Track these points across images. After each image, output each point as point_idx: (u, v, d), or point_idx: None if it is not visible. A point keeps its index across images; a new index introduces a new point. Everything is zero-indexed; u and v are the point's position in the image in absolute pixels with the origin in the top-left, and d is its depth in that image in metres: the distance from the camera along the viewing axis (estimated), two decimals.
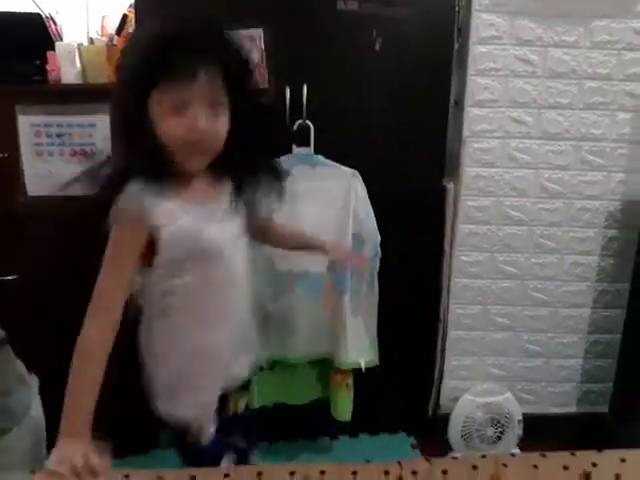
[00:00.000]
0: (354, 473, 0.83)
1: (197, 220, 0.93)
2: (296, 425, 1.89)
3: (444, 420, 1.89)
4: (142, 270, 0.94)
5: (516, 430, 1.87)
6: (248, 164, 0.99)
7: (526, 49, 1.73)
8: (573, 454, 0.91)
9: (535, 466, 0.87)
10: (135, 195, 0.88)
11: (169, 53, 0.83)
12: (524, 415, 1.89)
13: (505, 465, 0.86)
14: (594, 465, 0.88)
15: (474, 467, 0.85)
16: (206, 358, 1.00)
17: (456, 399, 1.89)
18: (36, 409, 1.24)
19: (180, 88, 0.84)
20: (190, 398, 1.00)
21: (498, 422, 1.86)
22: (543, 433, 1.80)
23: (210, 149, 0.91)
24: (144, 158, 0.89)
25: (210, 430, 1.02)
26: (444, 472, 0.83)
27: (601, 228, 1.86)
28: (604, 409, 1.97)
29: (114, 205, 0.89)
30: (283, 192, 1.04)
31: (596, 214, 1.84)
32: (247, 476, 0.81)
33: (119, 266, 0.91)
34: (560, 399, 2.01)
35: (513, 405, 1.86)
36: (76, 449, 0.76)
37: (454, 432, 1.86)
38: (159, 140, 0.88)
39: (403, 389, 1.91)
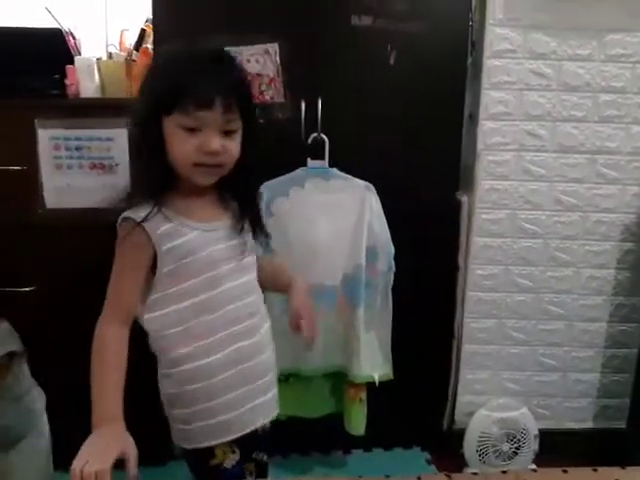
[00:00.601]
0: None
1: (198, 237, 0.97)
2: (310, 439, 1.88)
3: (459, 435, 1.87)
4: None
5: (532, 445, 1.85)
6: (253, 186, 1.08)
7: (540, 62, 1.74)
8: (595, 470, 0.90)
9: None
10: (143, 209, 0.93)
11: (190, 81, 0.91)
12: (540, 430, 1.86)
13: None
14: None
15: None
16: (217, 386, 1.00)
17: (471, 414, 1.87)
18: (44, 423, 1.26)
19: (197, 113, 0.91)
20: (209, 427, 1.01)
21: (514, 437, 1.83)
22: (560, 449, 1.78)
23: (220, 169, 0.97)
24: (155, 174, 0.95)
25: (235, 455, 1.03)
26: None
27: (617, 241, 1.85)
28: (621, 424, 1.94)
29: (122, 217, 0.96)
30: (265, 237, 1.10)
31: (612, 227, 1.83)
32: None
33: (132, 269, 0.97)
34: (577, 414, 1.98)
35: (529, 420, 1.84)
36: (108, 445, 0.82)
37: (469, 447, 1.84)
38: (170, 158, 0.94)
39: (417, 403, 1.90)
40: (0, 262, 1.65)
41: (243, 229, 1.03)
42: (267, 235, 1.10)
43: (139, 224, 0.92)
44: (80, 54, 1.75)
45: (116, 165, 1.62)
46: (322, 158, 1.70)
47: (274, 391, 1.10)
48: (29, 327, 1.65)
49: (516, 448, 1.84)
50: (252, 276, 1.07)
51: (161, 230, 0.94)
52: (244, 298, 1.03)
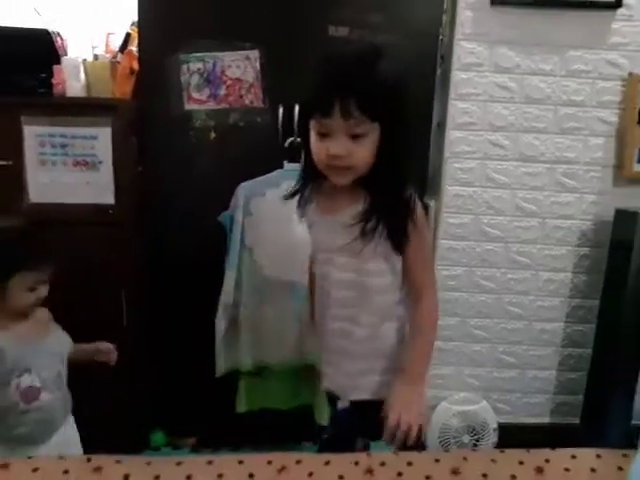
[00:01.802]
0: (327, 463, 0.91)
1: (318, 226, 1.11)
2: (281, 430, 1.96)
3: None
4: None
5: (492, 438, 1.95)
6: (383, 189, 1.04)
7: (505, 76, 1.84)
8: (528, 451, 0.99)
9: (493, 460, 0.96)
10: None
11: (312, 92, 0.99)
12: (499, 424, 1.97)
13: (465, 459, 0.95)
14: (547, 461, 0.96)
15: (436, 460, 0.94)
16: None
17: (434, 407, 1.97)
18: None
19: (322, 121, 0.97)
20: None
21: (474, 430, 1.94)
22: (517, 442, 1.87)
23: (350, 171, 1.02)
24: (306, 168, 1.09)
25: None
26: (409, 464, 0.91)
27: (574, 246, 1.96)
28: (576, 420, 2.05)
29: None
30: (403, 236, 1.06)
31: (569, 233, 1.95)
32: (228, 463, 0.89)
33: None
34: (534, 409, 2.09)
35: (488, 413, 1.95)
36: None
37: (432, 439, 1.94)
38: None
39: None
40: None
41: (365, 231, 1.04)
42: (405, 241, 1.06)
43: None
44: (67, 54, 1.81)
45: (99, 163, 1.69)
46: (298, 161, 1.77)
47: None
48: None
49: (476, 440, 1.94)
50: (356, 276, 1.09)
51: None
52: (340, 290, 1.11)
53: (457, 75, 1.84)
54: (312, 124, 1.00)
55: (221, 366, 1.82)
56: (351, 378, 1.16)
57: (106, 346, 1.42)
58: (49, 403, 1.30)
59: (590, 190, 1.93)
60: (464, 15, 1.81)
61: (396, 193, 1.05)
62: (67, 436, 1.37)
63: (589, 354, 2.00)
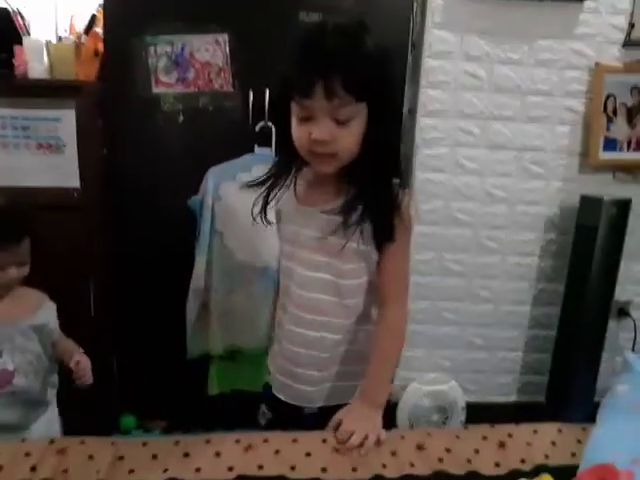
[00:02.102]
0: (295, 440, 0.91)
1: (290, 216, 1.02)
2: (253, 412, 1.96)
3: (393, 408, 2.00)
4: None
5: (460, 416, 2.00)
6: (370, 179, 0.93)
7: (474, 64, 1.86)
8: (492, 426, 1.02)
9: (457, 436, 0.98)
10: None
11: (291, 72, 0.88)
12: (468, 403, 2.02)
13: (430, 435, 0.97)
14: (510, 436, 0.99)
15: (402, 437, 0.95)
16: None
17: (405, 388, 2.01)
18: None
19: (303, 103, 0.87)
20: None
21: (443, 409, 1.98)
22: (486, 420, 1.91)
23: (334, 159, 0.92)
24: (283, 155, 1.00)
25: None
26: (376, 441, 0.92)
27: (540, 232, 2.00)
28: (541, 398, 2.11)
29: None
30: (388, 234, 0.95)
31: (536, 218, 1.99)
32: (195, 443, 0.89)
33: None
34: (501, 389, 2.15)
35: (457, 393, 1.99)
36: None
37: (402, 418, 1.97)
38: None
39: None
40: None
41: (347, 226, 0.93)
42: (390, 238, 0.95)
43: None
44: (29, 35, 1.76)
45: (64, 146, 1.65)
46: (269, 145, 1.77)
47: None
48: None
49: (445, 419, 1.98)
50: (331, 277, 0.99)
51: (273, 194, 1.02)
52: (311, 292, 1.01)
53: (428, 62, 1.85)
54: (292, 106, 0.90)
55: (192, 350, 1.81)
56: (319, 386, 1.06)
57: (84, 364, 1.29)
58: (24, 388, 1.24)
59: (557, 177, 1.97)
60: (435, 3, 1.81)
61: (384, 184, 0.95)
62: (49, 421, 1.33)
63: (554, 335, 2.05)
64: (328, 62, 0.83)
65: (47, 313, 1.32)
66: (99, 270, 1.76)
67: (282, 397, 1.09)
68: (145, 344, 1.88)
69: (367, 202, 0.94)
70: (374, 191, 0.94)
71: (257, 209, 1.05)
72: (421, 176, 1.93)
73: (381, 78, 0.89)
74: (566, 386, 1.95)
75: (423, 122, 1.89)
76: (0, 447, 0.84)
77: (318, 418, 1.03)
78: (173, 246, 1.74)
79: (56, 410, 1.38)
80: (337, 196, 0.97)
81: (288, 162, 1.01)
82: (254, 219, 1.07)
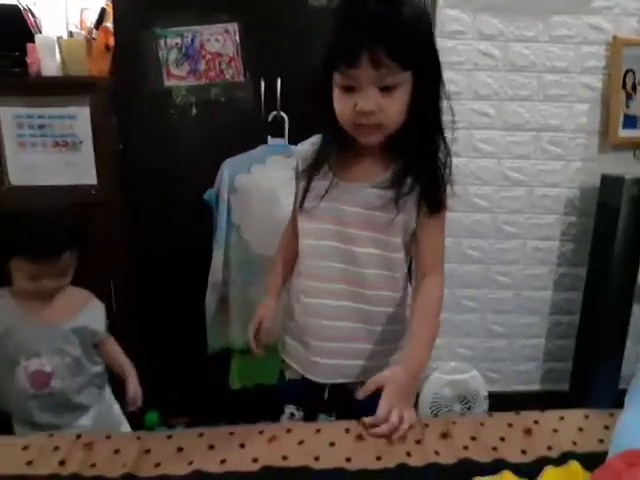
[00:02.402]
0: (318, 431, 0.91)
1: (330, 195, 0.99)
2: (275, 405, 1.97)
3: (415, 397, 1.99)
4: None
5: (482, 406, 1.98)
6: (418, 148, 0.93)
7: (488, 43, 1.82)
8: (518, 413, 1.00)
9: (482, 424, 0.97)
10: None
11: (340, 36, 0.86)
12: (490, 393, 1.99)
13: (454, 423, 0.96)
14: (536, 422, 0.97)
15: (426, 425, 0.94)
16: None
17: (426, 378, 1.99)
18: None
19: (348, 72, 0.86)
20: None
21: (465, 398, 1.96)
22: (508, 409, 1.90)
23: (379, 130, 0.91)
24: (328, 130, 0.98)
25: None
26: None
27: (561, 214, 1.96)
28: (565, 386, 2.08)
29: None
30: (437, 203, 0.94)
31: (556, 201, 1.95)
32: (220, 435, 0.89)
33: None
34: (524, 377, 2.12)
35: (479, 382, 1.97)
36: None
37: (424, 408, 1.96)
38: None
39: None
40: None
41: (398, 199, 0.93)
42: (438, 209, 0.95)
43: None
44: (41, 32, 1.76)
45: (80, 143, 1.66)
46: (282, 136, 1.76)
47: None
48: None
49: (467, 409, 1.97)
50: (380, 252, 0.98)
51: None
52: (362, 268, 0.99)
53: (441, 43, 1.79)
54: (335, 78, 0.89)
55: (213, 344, 1.82)
56: (367, 361, 1.05)
57: (134, 392, 1.32)
58: (61, 390, 1.25)
59: (576, 157, 1.93)
60: None
61: (431, 154, 0.93)
62: (97, 422, 1.32)
63: (577, 321, 2.02)
64: (374, 30, 0.83)
65: (91, 314, 1.30)
66: (119, 266, 1.77)
67: (320, 379, 1.08)
68: (166, 340, 1.89)
69: (415, 174, 0.93)
70: (422, 162, 0.93)
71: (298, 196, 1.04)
72: None
73: (426, 46, 0.89)
74: (590, 373, 1.92)
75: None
76: (29, 441, 0.85)
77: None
78: (191, 240, 1.74)
79: (113, 407, 1.39)
80: (384, 169, 0.96)
81: (333, 140, 0.98)
82: (296, 206, 1.06)
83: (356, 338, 1.05)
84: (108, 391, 1.39)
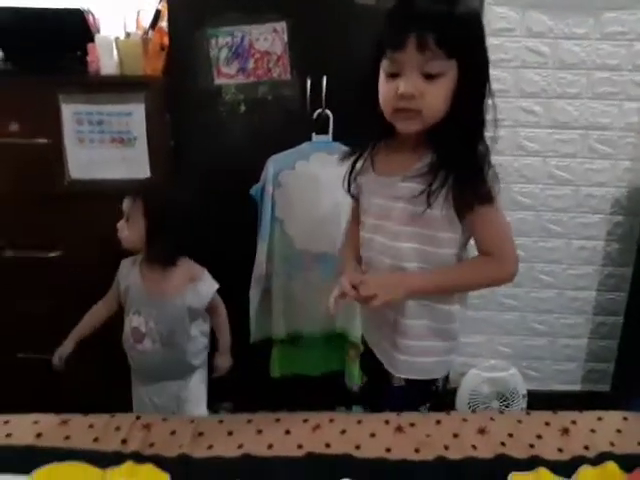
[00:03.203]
0: (359, 422, 0.96)
1: (369, 187, 1.07)
2: (314, 394, 2.03)
3: (452, 393, 2.01)
4: None
5: (521, 404, 1.98)
6: (455, 140, 0.93)
7: (537, 41, 1.80)
8: (555, 413, 1.02)
9: (519, 421, 0.99)
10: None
11: (386, 26, 0.92)
12: (529, 391, 1.99)
13: (492, 419, 0.98)
14: (573, 422, 0.99)
15: (464, 420, 0.98)
16: None
17: (464, 374, 2.01)
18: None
19: (393, 57, 0.90)
20: None
21: (503, 396, 1.97)
22: (547, 408, 1.90)
23: (419, 117, 0.92)
24: (370, 118, 1.02)
25: None
26: (438, 422, 0.95)
27: (607, 214, 1.93)
28: (606, 387, 2.07)
29: None
30: (476, 197, 0.93)
31: (602, 201, 1.92)
32: (266, 421, 0.95)
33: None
34: (564, 377, 2.11)
35: (518, 380, 1.97)
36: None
37: (462, 404, 1.98)
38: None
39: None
40: (29, 229, 1.80)
41: (429, 198, 0.93)
42: (482, 198, 0.93)
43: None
44: (99, 32, 1.85)
45: (134, 139, 1.74)
46: (326, 133, 1.79)
47: None
48: (56, 287, 1.82)
49: (505, 406, 1.98)
50: (418, 245, 1.00)
51: (358, 166, 1.09)
52: (399, 261, 1.01)
53: (488, 41, 1.79)
54: (382, 64, 0.92)
55: (255, 334, 1.89)
56: (409, 356, 1.08)
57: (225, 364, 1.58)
58: (150, 352, 1.43)
59: (624, 156, 1.89)
60: None
61: (471, 147, 0.93)
62: (180, 395, 1.49)
63: (620, 322, 1.99)
64: (422, 15, 0.87)
65: (196, 292, 1.46)
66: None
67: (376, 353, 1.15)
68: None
69: (452, 166, 0.93)
70: (460, 154, 0.92)
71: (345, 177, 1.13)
72: None
73: (473, 38, 0.92)
74: (633, 374, 1.89)
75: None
76: (93, 419, 0.93)
77: (405, 392, 1.09)
78: (237, 233, 1.80)
79: (193, 390, 1.53)
80: (418, 160, 0.97)
81: (376, 132, 1.04)
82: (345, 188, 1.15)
83: (400, 331, 1.06)
84: (200, 373, 1.55)
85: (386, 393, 1.12)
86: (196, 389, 1.51)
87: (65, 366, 1.48)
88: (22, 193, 1.77)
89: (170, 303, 1.43)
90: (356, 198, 1.14)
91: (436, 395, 1.12)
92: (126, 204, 1.41)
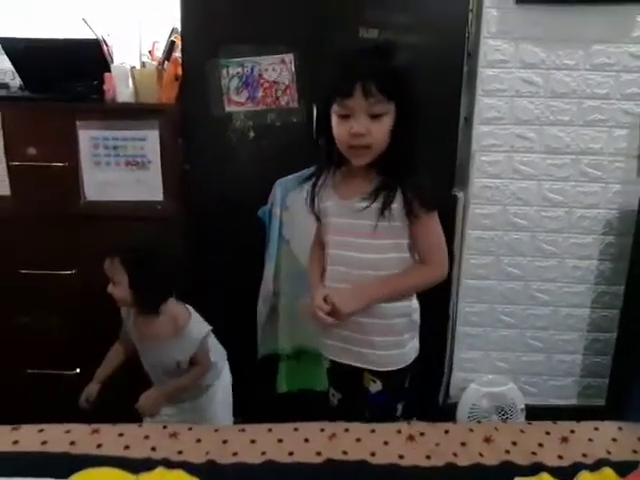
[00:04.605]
0: (373, 431, 1.02)
1: (334, 210, 1.23)
2: (318, 409, 2.08)
3: (453, 408, 2.07)
4: None
5: (519, 418, 2.04)
6: (393, 167, 1.15)
7: (530, 71, 1.90)
8: (555, 423, 1.09)
9: (522, 431, 1.06)
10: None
11: (335, 77, 1.12)
12: (527, 405, 2.05)
13: (497, 429, 1.05)
14: (572, 432, 1.06)
15: (470, 430, 1.04)
16: None
17: (464, 389, 2.07)
18: (227, 370, 1.67)
19: (343, 103, 1.09)
20: None
21: (502, 410, 2.03)
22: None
23: (369, 151, 1.13)
24: (325, 154, 1.23)
25: None
26: (446, 432, 1.02)
27: (599, 235, 2.01)
28: (601, 402, 2.12)
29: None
30: (415, 213, 1.16)
31: (594, 222, 2.00)
32: (286, 430, 1.00)
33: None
34: (560, 392, 2.17)
35: (516, 394, 2.03)
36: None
37: (462, 418, 2.03)
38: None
39: (416, 379, 2.09)
40: (45, 248, 1.86)
41: (383, 213, 1.14)
42: (422, 210, 1.16)
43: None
44: (113, 60, 1.94)
45: (149, 162, 1.82)
46: None
47: None
48: (69, 304, 1.88)
49: (504, 420, 2.03)
50: (376, 256, 1.20)
51: (319, 193, 1.26)
52: (350, 268, 1.21)
53: (484, 72, 1.91)
54: (333, 109, 1.12)
55: (262, 350, 1.95)
56: (384, 351, 1.26)
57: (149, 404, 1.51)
58: (157, 384, 1.53)
59: (615, 180, 1.97)
60: (489, 14, 1.87)
61: (409, 171, 1.15)
62: (197, 414, 1.56)
63: (614, 338, 2.06)
64: (365, 68, 1.08)
65: (181, 345, 1.49)
66: (180, 276, 1.91)
67: (343, 360, 1.30)
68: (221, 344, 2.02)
69: (399, 184, 1.15)
70: (400, 177, 1.15)
71: (308, 202, 1.30)
72: (478, 182, 1.99)
73: (406, 83, 1.12)
74: (627, 390, 1.96)
75: (479, 129, 1.95)
76: (122, 428, 0.99)
77: (383, 395, 1.27)
78: (246, 253, 1.88)
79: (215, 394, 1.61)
80: (371, 182, 1.18)
81: (330, 159, 1.23)
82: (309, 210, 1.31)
83: (367, 331, 1.25)
84: (215, 388, 1.62)
85: (366, 402, 1.29)
86: (211, 406, 1.56)
87: (92, 407, 1.51)
88: (39, 214, 1.84)
89: (158, 350, 1.49)
90: (319, 220, 1.32)
91: (407, 392, 1.33)
92: (106, 266, 1.46)
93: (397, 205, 1.15)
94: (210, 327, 1.54)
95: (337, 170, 1.24)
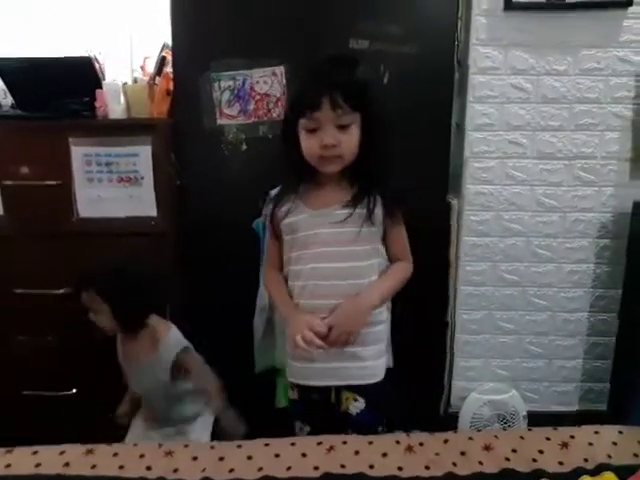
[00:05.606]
0: (371, 443, 1.01)
1: (307, 223, 1.23)
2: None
3: (454, 417, 2.05)
4: None
5: (522, 425, 2.02)
6: (368, 174, 1.20)
7: (520, 78, 1.91)
8: (555, 429, 1.08)
9: (522, 437, 1.05)
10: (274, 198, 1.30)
11: (302, 92, 1.17)
12: (529, 412, 2.03)
13: (496, 437, 1.04)
14: (572, 437, 1.05)
15: (470, 438, 1.03)
16: None
17: (465, 398, 2.05)
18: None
19: (312, 116, 1.12)
20: None
21: (504, 418, 2.01)
22: None
23: (339, 159, 1.16)
24: (293, 167, 1.24)
25: None
26: (445, 441, 1.00)
27: (594, 238, 2.01)
28: (603, 407, 2.11)
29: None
30: (395, 216, 1.23)
31: (589, 225, 2.00)
32: (282, 445, 0.99)
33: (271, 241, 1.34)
34: (562, 398, 2.15)
35: (518, 402, 2.02)
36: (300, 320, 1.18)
37: (464, 427, 2.01)
38: (302, 154, 1.19)
39: (416, 390, 2.07)
40: (39, 266, 1.85)
41: (370, 218, 1.19)
42: (397, 215, 1.23)
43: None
44: (104, 77, 1.94)
45: (141, 178, 1.81)
46: None
47: None
48: (65, 324, 1.86)
49: (507, 427, 2.01)
50: (359, 263, 1.22)
51: (283, 209, 1.24)
52: (332, 280, 1.21)
53: (474, 79, 1.91)
54: (301, 123, 1.14)
55: (259, 364, 1.93)
56: (371, 361, 1.26)
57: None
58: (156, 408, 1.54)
59: (608, 183, 1.98)
60: (478, 21, 1.88)
61: (383, 177, 1.21)
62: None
63: (613, 342, 2.05)
64: (332, 81, 1.11)
65: (167, 346, 1.51)
66: (174, 290, 1.90)
67: (326, 382, 1.27)
68: (217, 359, 2.00)
69: (375, 190, 1.19)
70: (372, 185, 1.19)
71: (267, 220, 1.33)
72: (472, 189, 1.99)
73: (370, 94, 1.16)
74: (628, 394, 1.94)
75: (472, 136, 1.95)
76: (117, 448, 0.98)
77: (366, 414, 1.23)
78: (240, 266, 1.86)
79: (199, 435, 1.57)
80: (347, 190, 1.21)
81: (299, 174, 1.24)
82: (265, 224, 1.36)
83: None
84: (200, 422, 1.61)
85: (346, 427, 1.24)
86: (193, 435, 1.56)
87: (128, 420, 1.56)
88: (32, 232, 1.83)
89: (140, 369, 1.51)
90: (279, 238, 1.31)
91: (389, 405, 1.31)
92: (84, 299, 1.47)
93: (378, 210, 1.19)
94: (188, 343, 1.54)
95: (302, 184, 1.26)
